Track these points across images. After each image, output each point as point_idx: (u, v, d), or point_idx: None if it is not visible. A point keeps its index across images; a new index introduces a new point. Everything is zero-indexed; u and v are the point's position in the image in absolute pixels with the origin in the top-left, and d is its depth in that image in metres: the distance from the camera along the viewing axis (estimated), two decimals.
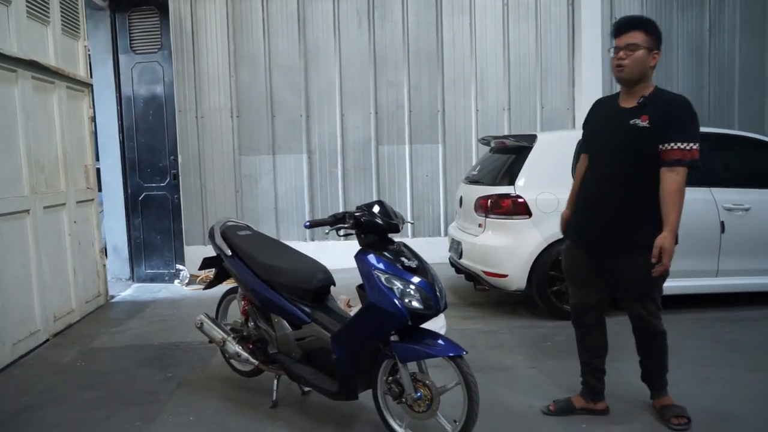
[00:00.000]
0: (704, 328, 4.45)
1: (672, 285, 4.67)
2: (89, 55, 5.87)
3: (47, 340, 4.55)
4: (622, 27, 2.75)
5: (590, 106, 3.07)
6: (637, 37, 2.70)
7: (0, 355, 3.92)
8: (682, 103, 2.73)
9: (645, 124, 2.68)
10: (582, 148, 3.10)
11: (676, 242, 2.68)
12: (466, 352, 2.58)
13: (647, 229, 2.71)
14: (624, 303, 2.94)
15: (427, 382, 2.64)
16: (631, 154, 2.73)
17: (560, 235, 4.53)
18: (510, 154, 5.06)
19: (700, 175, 4.72)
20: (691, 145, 2.65)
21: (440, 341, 2.63)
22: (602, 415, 3.04)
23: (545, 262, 4.62)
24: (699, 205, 4.65)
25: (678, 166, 2.65)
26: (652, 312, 2.89)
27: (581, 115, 7.06)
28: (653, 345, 2.98)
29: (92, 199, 5.61)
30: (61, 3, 5.06)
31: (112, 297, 6.01)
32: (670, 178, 2.65)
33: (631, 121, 2.72)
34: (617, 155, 2.76)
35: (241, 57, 6.96)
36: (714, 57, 7.46)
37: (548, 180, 4.70)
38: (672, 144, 2.64)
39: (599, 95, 6.98)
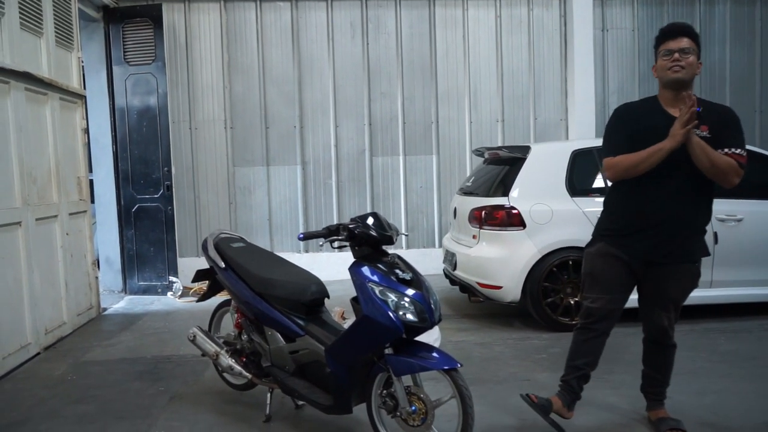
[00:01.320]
0: (698, 339, 4.45)
1: None
2: (83, 66, 5.86)
3: (38, 354, 4.51)
4: (676, 31, 2.78)
5: (617, 111, 2.95)
6: (689, 42, 2.75)
7: None
8: (733, 113, 2.84)
9: (706, 134, 2.72)
10: (621, 149, 2.81)
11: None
12: (461, 365, 2.57)
13: (702, 239, 2.85)
14: (648, 313, 2.94)
15: (422, 395, 2.63)
16: (694, 165, 2.71)
17: (554, 247, 4.60)
18: (504, 166, 5.07)
19: None
20: (743, 151, 2.73)
21: (435, 354, 2.61)
22: (566, 420, 2.99)
23: (539, 274, 4.62)
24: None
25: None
26: (673, 323, 2.94)
27: (574, 126, 7.11)
28: (664, 356, 3.01)
29: (85, 211, 5.58)
30: (54, 14, 5.06)
31: (105, 309, 5.97)
32: (730, 160, 2.69)
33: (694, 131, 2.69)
34: (683, 165, 2.71)
35: (235, 68, 6.97)
36: (704, 67, 7.52)
37: (542, 191, 4.71)
38: (730, 149, 2.70)
39: (591, 106, 7.11)
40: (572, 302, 4.69)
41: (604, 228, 2.98)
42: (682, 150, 2.67)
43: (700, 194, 2.80)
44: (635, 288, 2.97)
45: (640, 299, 2.98)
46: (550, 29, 7.31)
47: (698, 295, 4.68)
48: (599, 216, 3.05)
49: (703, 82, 7.50)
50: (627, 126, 2.87)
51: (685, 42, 2.75)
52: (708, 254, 2.91)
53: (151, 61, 6.50)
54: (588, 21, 7.11)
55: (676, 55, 2.73)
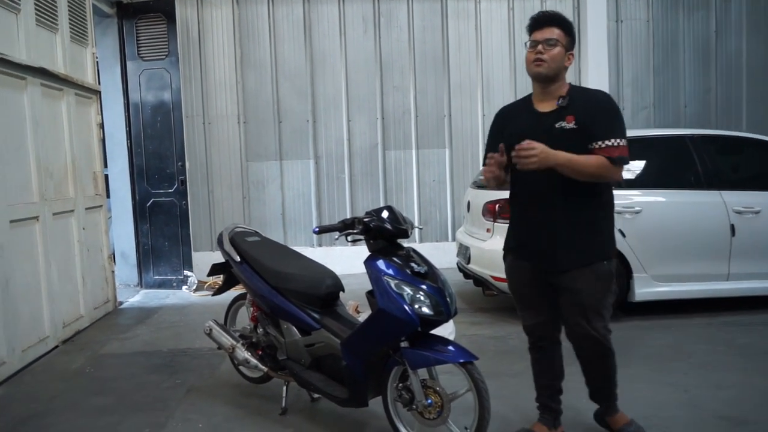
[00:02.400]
0: (715, 333, 4.42)
1: (682, 289, 4.68)
2: (97, 62, 5.90)
3: (56, 347, 4.56)
4: (540, 21, 2.57)
5: (495, 115, 2.81)
6: (555, 33, 2.53)
7: (9, 362, 3.93)
8: (605, 98, 2.59)
9: (572, 125, 2.48)
10: (485, 160, 2.67)
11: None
12: (477, 359, 2.57)
13: (592, 240, 2.57)
14: (566, 322, 2.67)
15: (438, 388, 2.63)
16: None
17: None
18: None
19: (710, 178, 4.71)
20: (620, 141, 2.47)
21: (450, 347, 2.61)
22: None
23: None
24: (708, 208, 4.64)
25: (611, 165, 2.46)
26: (602, 333, 2.61)
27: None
28: (603, 366, 2.71)
29: (101, 206, 5.63)
30: (69, 11, 5.10)
31: (121, 303, 6.02)
32: (602, 159, 2.44)
33: (557, 125, 2.51)
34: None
35: (247, 63, 6.99)
36: (721, 59, 7.43)
37: None
38: (600, 142, 2.45)
39: None
40: None
41: (509, 238, 2.81)
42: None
43: (579, 193, 2.52)
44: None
45: (560, 308, 2.68)
46: None
47: (715, 288, 4.69)
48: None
49: (719, 75, 7.40)
50: (497, 136, 2.68)
51: (551, 32, 2.52)
52: (610, 257, 2.61)
53: (164, 56, 6.53)
54: (602, 12, 7.03)
55: (540, 47, 2.52)
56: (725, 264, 4.66)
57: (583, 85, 7.14)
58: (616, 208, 4.53)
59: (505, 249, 2.83)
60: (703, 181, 4.72)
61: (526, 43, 2.62)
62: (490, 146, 2.70)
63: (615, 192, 4.49)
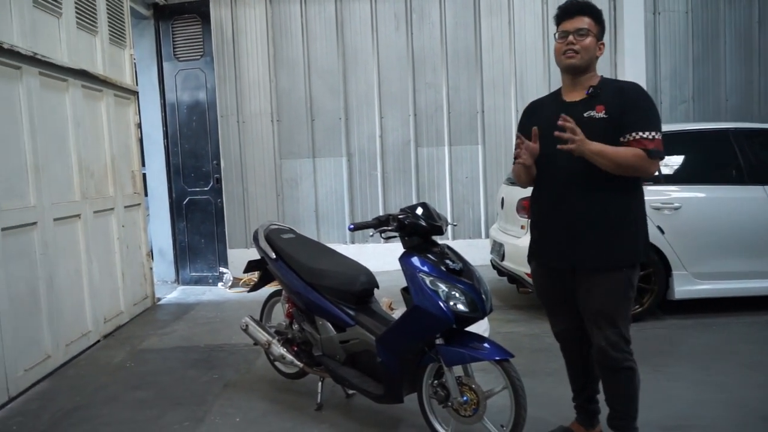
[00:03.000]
0: (759, 332, 4.29)
1: (724, 287, 4.56)
2: (135, 63, 6.02)
3: (98, 341, 4.69)
4: (570, 11, 2.44)
5: (524, 110, 2.72)
6: (585, 22, 2.42)
7: (54, 356, 4.05)
8: (638, 89, 2.45)
9: (602, 114, 2.36)
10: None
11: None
12: (513, 356, 2.55)
13: (616, 243, 2.40)
14: (588, 331, 2.53)
15: (473, 386, 2.62)
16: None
17: None
18: None
19: (753, 173, 4.57)
20: (655, 134, 2.32)
21: (486, 344, 2.60)
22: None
23: None
24: (752, 204, 4.50)
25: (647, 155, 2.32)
26: (614, 343, 2.42)
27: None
28: (616, 383, 2.50)
29: (139, 204, 5.75)
30: (108, 13, 5.21)
31: (159, 299, 6.15)
32: (637, 151, 2.29)
33: (586, 114, 2.38)
34: (575, 161, 2.34)
35: (280, 62, 7.04)
36: (764, 50, 7.20)
37: None
38: (635, 134, 2.31)
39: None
40: None
41: (531, 241, 2.69)
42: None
43: (607, 188, 2.37)
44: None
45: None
46: None
47: (760, 286, 4.55)
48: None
49: (762, 66, 7.17)
50: (524, 127, 2.57)
51: (582, 22, 2.41)
52: (638, 260, 2.44)
53: (199, 57, 6.63)
54: (639, 4, 6.88)
55: (571, 37, 2.41)
56: None
57: (620, 77, 6.98)
58: (655, 204, 4.49)
59: (529, 254, 2.73)
60: (746, 176, 4.59)
61: (555, 35, 2.51)
62: (517, 142, 2.59)
63: (653, 188, 4.41)
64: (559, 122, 2.28)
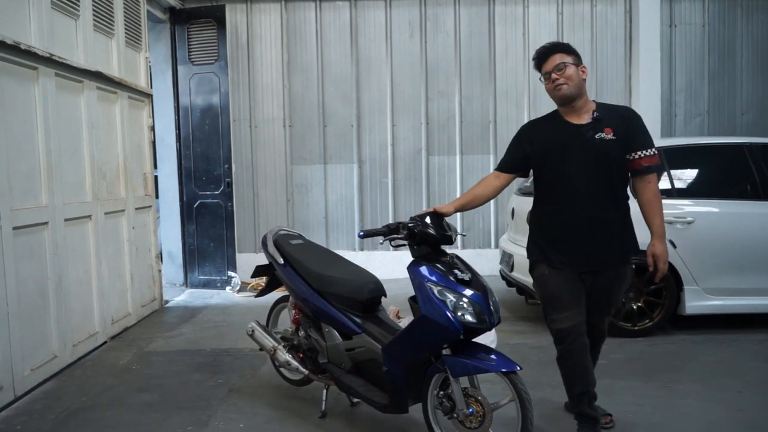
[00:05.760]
0: None
1: (736, 303, 4.50)
2: (150, 66, 6.06)
3: (105, 343, 4.70)
4: (543, 55, 2.84)
5: (520, 129, 3.02)
6: (559, 57, 2.78)
7: (61, 356, 4.06)
8: (634, 112, 2.87)
9: (611, 136, 2.73)
10: (507, 167, 3.01)
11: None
12: (521, 368, 2.52)
13: (630, 240, 2.87)
14: (593, 320, 2.88)
15: (480, 397, 2.59)
16: (604, 168, 2.74)
17: None
18: None
19: (767, 189, 4.52)
20: (654, 150, 2.77)
21: (493, 356, 2.57)
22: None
23: None
24: (766, 220, 4.44)
25: (648, 173, 2.77)
26: (606, 325, 3.00)
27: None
28: (595, 353, 3.06)
29: (150, 206, 5.78)
30: (125, 16, 5.26)
31: (167, 302, 6.16)
32: (647, 186, 2.79)
33: (597, 136, 2.73)
34: (592, 172, 2.74)
35: (294, 67, 7.07)
36: None
37: None
38: (640, 152, 2.75)
39: (657, 105, 6.86)
40: (634, 307, 4.53)
41: (540, 248, 2.91)
42: (586, 156, 2.73)
43: (615, 195, 2.80)
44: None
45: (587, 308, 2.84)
46: (614, 26, 7.09)
47: None
48: (529, 236, 3.03)
49: None
50: (528, 141, 2.91)
51: (556, 59, 2.78)
52: (639, 251, 2.89)
53: (214, 61, 6.67)
54: (655, 17, 6.85)
55: (554, 75, 2.77)
56: None
57: (635, 91, 6.99)
58: (667, 218, 4.45)
59: (535, 259, 2.93)
60: (760, 192, 4.53)
61: (540, 79, 2.88)
62: (509, 155, 3.00)
63: (666, 201, 4.47)
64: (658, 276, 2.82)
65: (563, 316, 2.79)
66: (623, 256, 2.83)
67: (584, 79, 2.80)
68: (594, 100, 2.87)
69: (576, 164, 2.74)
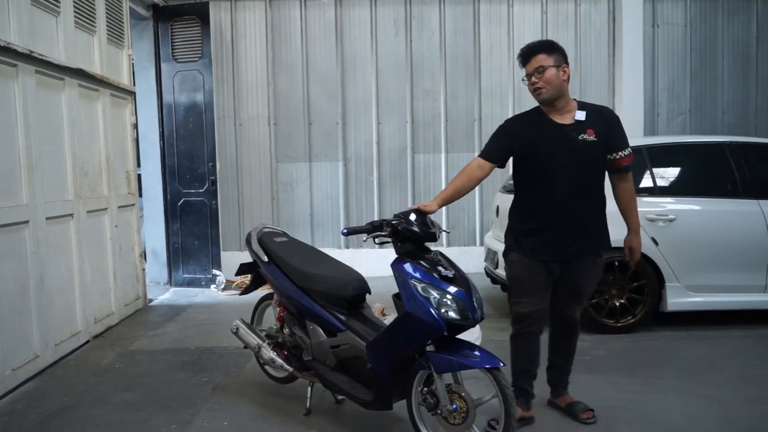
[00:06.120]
0: (751, 346, 4.29)
1: (717, 300, 4.56)
2: (132, 63, 6.01)
3: (88, 342, 4.65)
4: (526, 55, 2.91)
5: (504, 123, 3.07)
6: (541, 59, 2.85)
7: (43, 355, 4.02)
8: (613, 113, 3.01)
9: (593, 138, 2.85)
10: (493, 157, 2.97)
11: None
12: (504, 364, 2.53)
13: (602, 236, 3.01)
14: (563, 308, 3.07)
15: (463, 393, 2.60)
16: (587, 167, 2.88)
17: None
18: None
19: (748, 187, 4.59)
20: (630, 150, 2.94)
21: (477, 352, 2.58)
22: (531, 423, 3.06)
23: None
24: (746, 218, 4.51)
25: (627, 172, 2.96)
26: (576, 315, 3.10)
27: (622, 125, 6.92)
28: (571, 345, 3.17)
29: (133, 204, 5.73)
30: (107, 13, 5.21)
31: (151, 300, 6.12)
32: (625, 185, 2.99)
33: (580, 137, 2.85)
34: (574, 171, 2.86)
35: (279, 65, 7.05)
36: (762, 66, 7.24)
37: None
38: (620, 153, 2.91)
39: (640, 104, 6.94)
40: (617, 304, 4.58)
41: (515, 236, 3.05)
42: (571, 155, 2.84)
43: (592, 192, 2.93)
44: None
45: (554, 296, 3.04)
46: (597, 25, 7.15)
47: (752, 300, 4.56)
48: (509, 223, 3.13)
49: (760, 82, 7.20)
50: (512, 135, 2.97)
51: (537, 61, 2.85)
52: (610, 246, 3.04)
53: (197, 59, 6.62)
54: (638, 16, 6.92)
55: (533, 78, 2.87)
56: (763, 275, 4.52)
57: (618, 90, 7.06)
58: (649, 216, 4.56)
59: (508, 245, 3.10)
60: (741, 190, 4.60)
61: (523, 79, 2.99)
62: (495, 145, 3.00)
63: (648, 199, 4.56)
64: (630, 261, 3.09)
65: (525, 301, 2.97)
66: (594, 249, 2.98)
67: (565, 80, 2.86)
68: (575, 99, 2.97)
69: (559, 163, 2.86)
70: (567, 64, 2.88)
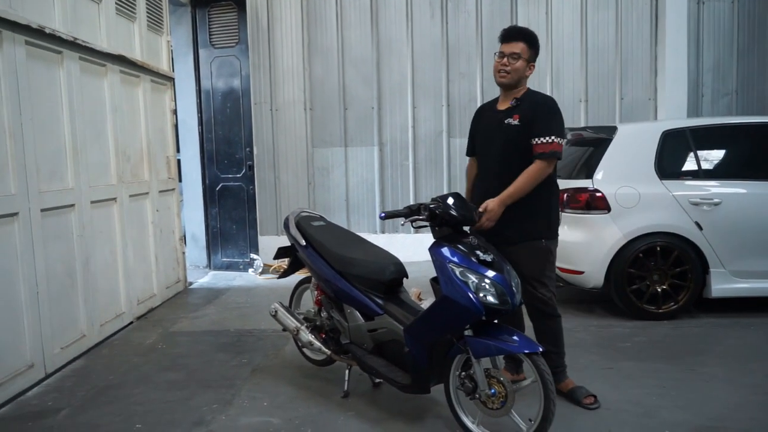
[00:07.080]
0: None
1: (764, 286, 4.42)
2: (171, 49, 6.09)
3: (131, 323, 4.78)
4: (510, 35, 3.00)
5: (475, 112, 3.32)
6: (520, 47, 2.97)
7: (89, 335, 4.15)
8: (548, 102, 3.02)
9: (516, 122, 2.96)
10: (470, 151, 3.32)
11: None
12: (543, 350, 2.51)
13: (537, 222, 3.00)
14: (525, 287, 3.03)
15: (502, 378, 2.59)
16: (510, 150, 2.97)
17: (641, 232, 4.42)
18: (587, 147, 4.88)
19: None
20: (551, 138, 2.89)
21: (515, 337, 2.56)
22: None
23: (625, 259, 4.43)
24: None
25: (542, 159, 2.90)
26: (547, 295, 3.04)
27: (664, 106, 6.76)
28: (553, 328, 3.11)
29: (173, 189, 5.83)
30: (146, 0, 5.27)
31: (191, 283, 6.25)
32: (532, 167, 2.91)
33: (506, 121, 2.99)
34: (499, 153, 3.01)
35: (314, 50, 7.05)
36: None
37: (628, 174, 4.51)
38: (537, 139, 2.91)
39: (684, 85, 6.73)
40: (659, 290, 4.48)
41: None
42: (496, 138, 3.01)
43: (517, 176, 2.93)
44: None
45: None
46: (640, 3, 6.92)
47: None
48: None
49: None
50: (473, 129, 3.26)
51: (517, 47, 2.96)
52: (548, 237, 3.03)
53: (234, 44, 6.67)
54: None
55: (505, 60, 2.98)
56: None
57: (660, 70, 6.85)
58: (693, 199, 4.41)
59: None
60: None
61: (495, 54, 3.07)
62: (469, 139, 3.31)
63: (692, 182, 4.38)
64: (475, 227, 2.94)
65: None
66: (528, 235, 2.99)
67: (527, 76, 3.02)
68: (528, 88, 3.08)
69: (490, 147, 3.08)
70: (534, 64, 3.02)
